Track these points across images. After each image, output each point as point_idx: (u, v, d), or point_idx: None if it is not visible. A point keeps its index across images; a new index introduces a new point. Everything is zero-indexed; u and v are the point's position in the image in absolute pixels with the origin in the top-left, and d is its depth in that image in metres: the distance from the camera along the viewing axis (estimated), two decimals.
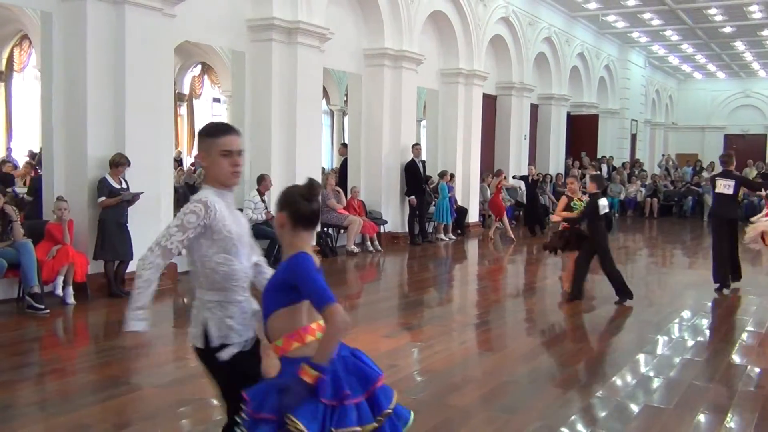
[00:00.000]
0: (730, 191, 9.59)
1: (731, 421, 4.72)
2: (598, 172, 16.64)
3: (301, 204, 2.80)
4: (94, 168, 8.23)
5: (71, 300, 7.74)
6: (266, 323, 2.83)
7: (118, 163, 8.17)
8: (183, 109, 20.38)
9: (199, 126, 21.17)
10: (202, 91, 21.16)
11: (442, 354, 6.33)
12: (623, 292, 8.46)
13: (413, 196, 13.62)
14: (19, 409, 4.77)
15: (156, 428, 4.37)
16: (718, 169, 11.93)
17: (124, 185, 8.30)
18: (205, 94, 21.30)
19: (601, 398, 5.12)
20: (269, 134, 10.92)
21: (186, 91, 20.67)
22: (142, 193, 8.31)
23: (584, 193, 9.21)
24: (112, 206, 8.14)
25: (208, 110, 21.52)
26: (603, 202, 8.50)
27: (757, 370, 5.93)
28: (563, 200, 8.95)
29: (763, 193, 11.70)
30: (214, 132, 3.05)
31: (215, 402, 4.89)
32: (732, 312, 8.54)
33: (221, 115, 21.02)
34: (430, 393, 5.28)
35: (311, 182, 2.87)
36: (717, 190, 9.73)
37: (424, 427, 4.48)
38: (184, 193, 16.15)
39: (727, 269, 9.54)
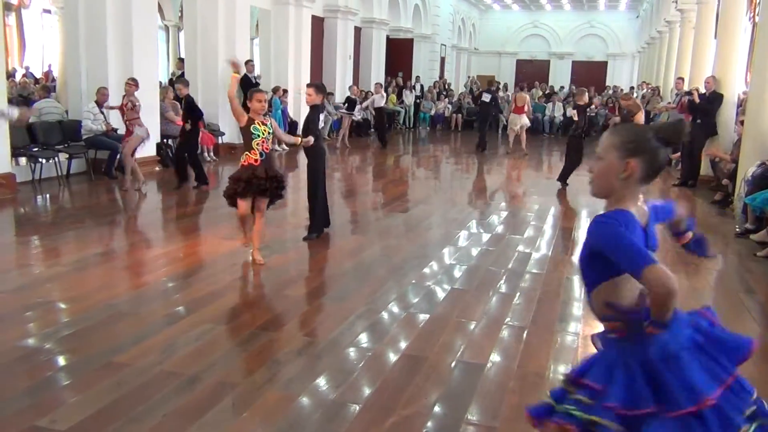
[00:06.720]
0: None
1: (518, 299, 5.16)
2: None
3: (661, 151, 1.96)
4: None
5: None
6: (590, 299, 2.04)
7: None
8: (11, 19, 18.13)
9: (29, 37, 19.09)
10: (30, 0, 18.88)
11: (278, 253, 6.34)
12: (318, 225, 6.85)
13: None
14: None
15: (4, 333, 4.07)
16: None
17: None
18: (35, 4, 19.04)
19: (415, 285, 5.39)
20: (105, 47, 10.04)
21: (14, 0, 18.35)
22: None
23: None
24: None
25: (39, 22, 19.34)
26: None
27: (537, 255, 6.48)
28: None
29: None
30: None
31: (62, 305, 4.64)
32: (520, 209, 9.18)
33: (53, 26, 19.01)
34: (269, 287, 5.33)
35: (681, 123, 2.02)
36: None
37: (266, 315, 4.55)
38: (16, 104, 14.68)
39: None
